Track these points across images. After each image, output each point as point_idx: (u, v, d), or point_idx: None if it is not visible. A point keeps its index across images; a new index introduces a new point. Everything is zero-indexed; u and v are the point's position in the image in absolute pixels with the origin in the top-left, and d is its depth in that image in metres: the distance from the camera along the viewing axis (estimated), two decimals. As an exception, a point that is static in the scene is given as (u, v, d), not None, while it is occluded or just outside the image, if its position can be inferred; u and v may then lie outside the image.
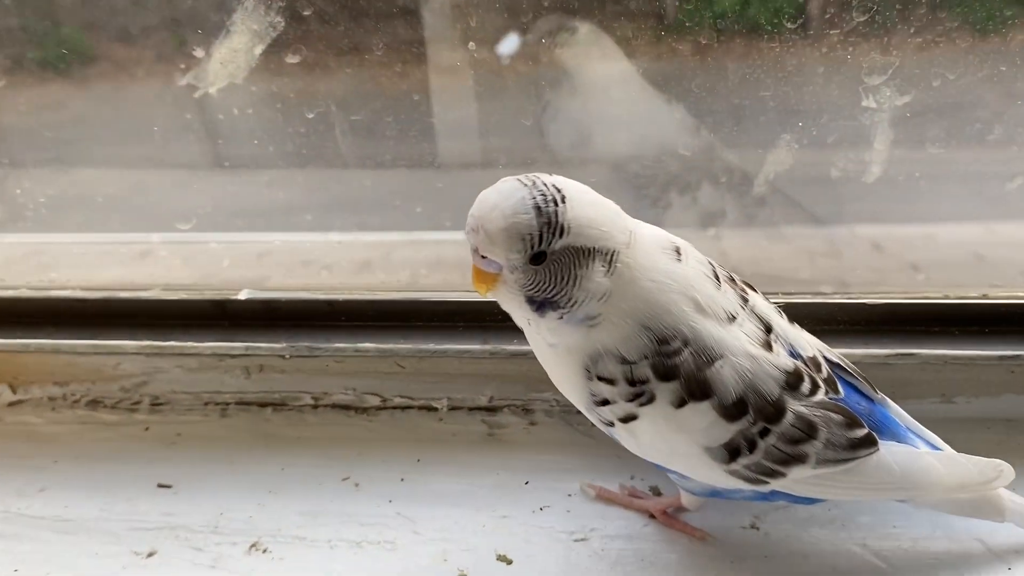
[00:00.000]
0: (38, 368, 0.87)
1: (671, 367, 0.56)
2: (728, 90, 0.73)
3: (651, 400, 0.57)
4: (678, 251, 0.58)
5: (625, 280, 0.55)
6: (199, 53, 0.76)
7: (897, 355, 0.77)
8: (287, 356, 0.84)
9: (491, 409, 0.87)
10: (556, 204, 0.52)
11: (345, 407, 0.87)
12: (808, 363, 0.61)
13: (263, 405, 0.88)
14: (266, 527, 0.75)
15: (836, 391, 0.62)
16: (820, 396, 0.60)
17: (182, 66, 0.75)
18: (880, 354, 0.78)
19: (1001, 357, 0.75)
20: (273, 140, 0.80)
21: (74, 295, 0.87)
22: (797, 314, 0.79)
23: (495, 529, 0.75)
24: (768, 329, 0.60)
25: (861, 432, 0.60)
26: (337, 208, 0.84)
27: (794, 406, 0.59)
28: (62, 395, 0.90)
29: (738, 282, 0.62)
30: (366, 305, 0.83)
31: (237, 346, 0.83)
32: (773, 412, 0.58)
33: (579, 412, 0.85)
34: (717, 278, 0.60)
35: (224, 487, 0.80)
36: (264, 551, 0.73)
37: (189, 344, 0.84)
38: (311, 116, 0.76)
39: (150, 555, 0.74)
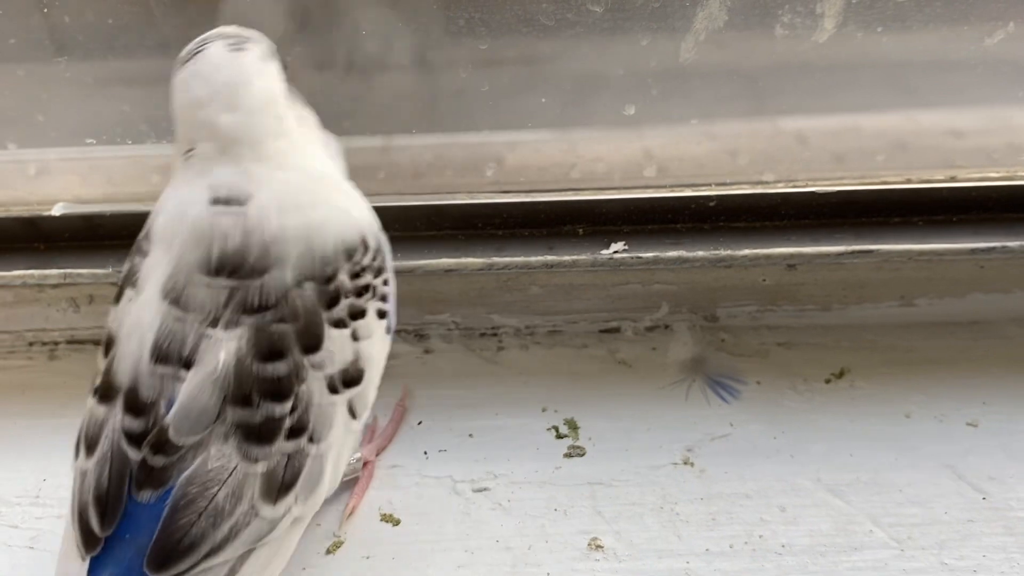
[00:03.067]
0: None
1: (134, 255, 0.51)
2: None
3: None
4: (219, 199, 0.48)
5: (175, 178, 0.51)
6: None
7: (851, 252, 0.66)
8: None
9: (377, 336, 0.73)
10: None
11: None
12: (161, 434, 0.45)
13: (100, 343, 0.73)
14: (99, 493, 0.62)
15: (144, 488, 0.45)
16: (128, 450, 0.46)
17: None
18: (831, 252, 0.67)
19: (973, 250, 0.65)
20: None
21: None
22: (734, 209, 0.68)
23: (379, 483, 0.63)
24: (185, 363, 0.46)
25: (94, 524, 0.46)
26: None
27: (112, 413, 0.47)
28: None
29: (244, 316, 0.46)
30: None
31: (53, 273, 0.68)
32: (106, 388, 0.48)
33: (483, 335, 0.74)
34: (219, 268, 0.47)
35: (50, 447, 0.67)
36: (96, 524, 0.60)
37: (-6, 273, 0.68)
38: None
39: (-48, 536, 0.61)
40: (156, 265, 0.48)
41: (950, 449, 0.62)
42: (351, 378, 0.49)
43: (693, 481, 0.62)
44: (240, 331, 0.46)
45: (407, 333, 0.74)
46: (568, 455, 0.64)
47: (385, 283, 0.52)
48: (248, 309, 0.46)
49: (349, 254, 0.49)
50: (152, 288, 0.48)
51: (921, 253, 0.65)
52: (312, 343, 0.47)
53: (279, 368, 0.46)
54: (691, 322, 0.73)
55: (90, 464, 0.47)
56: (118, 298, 0.50)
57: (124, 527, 0.45)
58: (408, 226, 0.69)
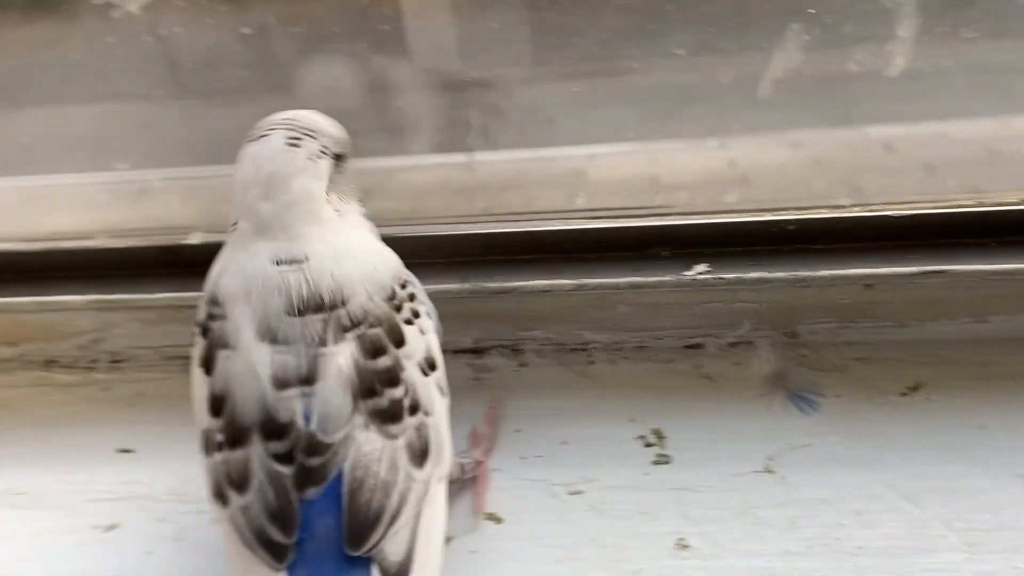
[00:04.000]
0: (-15, 329, 0.81)
1: (207, 327, 0.56)
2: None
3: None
4: (280, 261, 0.55)
5: (226, 247, 0.59)
6: (111, -38, 0.66)
7: (925, 273, 0.69)
8: (249, 303, 0.75)
9: (477, 351, 0.80)
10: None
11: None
12: (311, 439, 0.52)
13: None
14: (235, 492, 0.69)
15: (307, 488, 0.52)
16: (281, 469, 0.52)
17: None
18: (905, 273, 0.69)
19: (1045, 269, 0.67)
20: (211, 64, 0.70)
21: (12, 247, 0.79)
22: (813, 231, 0.71)
23: (483, 485, 0.68)
24: (306, 380, 0.53)
25: (279, 537, 0.51)
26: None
27: (252, 449, 0.53)
28: (15, 356, 0.83)
29: (345, 333, 0.54)
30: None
31: (192, 296, 0.75)
32: (234, 435, 0.53)
33: (574, 350, 0.79)
34: (302, 309, 0.54)
35: (190, 450, 0.71)
36: (232, 519, 0.67)
37: (140, 296, 0.76)
38: (247, 33, 0.66)
39: (110, 528, 0.68)
40: (240, 319, 0.54)
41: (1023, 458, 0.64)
42: (431, 363, 0.58)
43: (774, 487, 0.65)
44: (347, 343, 0.54)
45: (504, 348, 0.79)
46: (656, 462, 0.68)
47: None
48: (345, 328, 0.54)
49: (394, 278, 0.58)
50: (247, 337, 0.54)
51: (993, 273, 0.68)
52: (399, 339, 0.56)
53: (385, 361, 0.55)
54: (772, 338, 0.76)
55: (248, 498, 0.52)
56: (209, 367, 0.55)
57: (304, 528, 0.51)
58: (506, 251, 0.75)
